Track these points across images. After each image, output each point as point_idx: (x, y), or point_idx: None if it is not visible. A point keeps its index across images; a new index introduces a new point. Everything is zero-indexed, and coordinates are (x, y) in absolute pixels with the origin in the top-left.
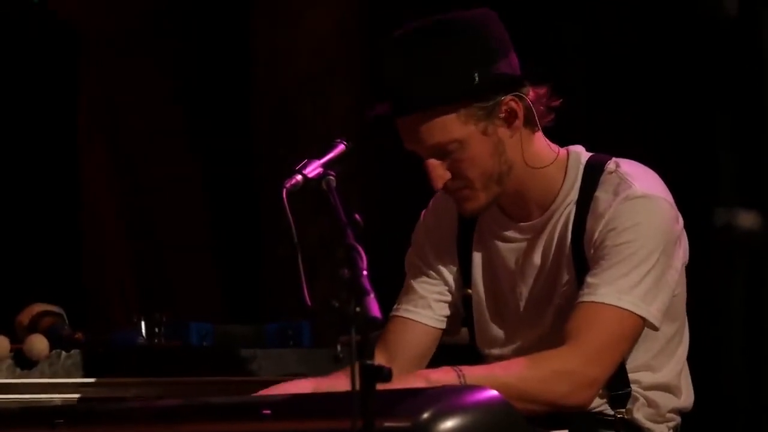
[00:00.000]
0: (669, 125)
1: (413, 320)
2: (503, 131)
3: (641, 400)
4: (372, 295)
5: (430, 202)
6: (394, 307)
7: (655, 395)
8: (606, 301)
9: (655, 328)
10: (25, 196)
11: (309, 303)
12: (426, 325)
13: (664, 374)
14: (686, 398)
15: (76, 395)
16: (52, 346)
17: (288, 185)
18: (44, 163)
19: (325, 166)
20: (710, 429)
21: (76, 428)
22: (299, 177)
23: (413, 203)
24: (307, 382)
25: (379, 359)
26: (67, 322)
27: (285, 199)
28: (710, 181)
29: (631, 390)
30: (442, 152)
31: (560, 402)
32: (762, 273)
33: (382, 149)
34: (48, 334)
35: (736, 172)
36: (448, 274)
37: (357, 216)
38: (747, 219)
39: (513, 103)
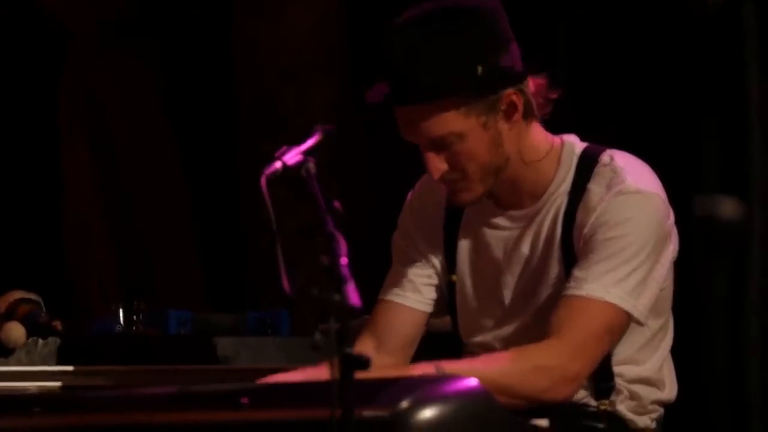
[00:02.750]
0: (652, 116)
1: (401, 304)
2: (502, 125)
3: (625, 392)
4: (351, 283)
5: (417, 184)
6: (381, 290)
7: (638, 388)
8: (592, 295)
9: (640, 324)
10: (6, 185)
11: (288, 291)
12: (414, 309)
13: (647, 368)
14: (669, 391)
15: (53, 383)
16: (29, 333)
17: (267, 172)
18: (25, 152)
19: (305, 153)
20: (694, 420)
21: (53, 416)
22: (279, 164)
23: (395, 190)
24: (299, 374)
25: (367, 344)
26: (44, 309)
27: (264, 187)
28: (693, 170)
29: (615, 383)
30: (440, 144)
31: (541, 396)
32: (745, 262)
33: (363, 137)
34: (25, 321)
35: (720, 161)
36: (434, 258)
37: (337, 203)
38: (729, 207)
39: (514, 97)
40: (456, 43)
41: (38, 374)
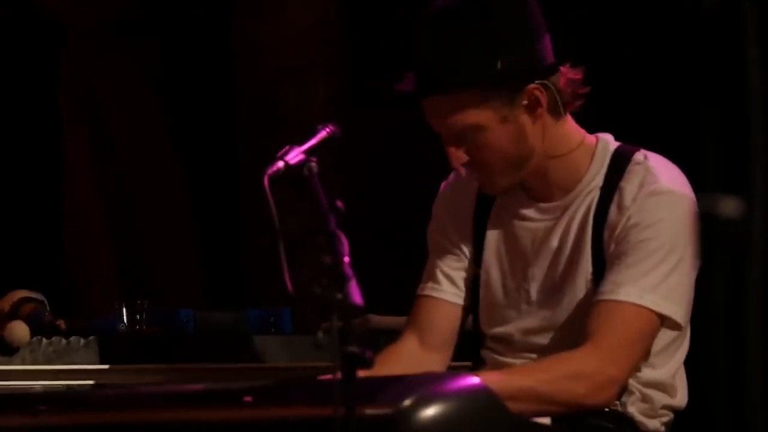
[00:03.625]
0: (651, 115)
1: (440, 299)
2: (525, 118)
3: (636, 394)
4: (353, 282)
5: (451, 174)
6: (420, 285)
7: (651, 392)
8: (628, 300)
9: (679, 327)
10: (7, 185)
11: (290, 289)
12: (453, 302)
13: (662, 372)
14: (681, 398)
15: (58, 382)
16: (33, 332)
17: (270, 172)
18: (26, 151)
19: (307, 152)
20: (696, 424)
21: (58, 415)
22: (281, 163)
23: (396, 191)
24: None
25: (412, 341)
26: (48, 308)
27: (267, 186)
28: (693, 169)
29: (627, 384)
30: (460, 135)
31: (580, 402)
32: (745, 262)
33: (366, 138)
34: (29, 320)
35: (720, 160)
36: (465, 248)
37: (339, 202)
38: (730, 206)
39: (537, 92)
40: (477, 36)
41: (42, 373)
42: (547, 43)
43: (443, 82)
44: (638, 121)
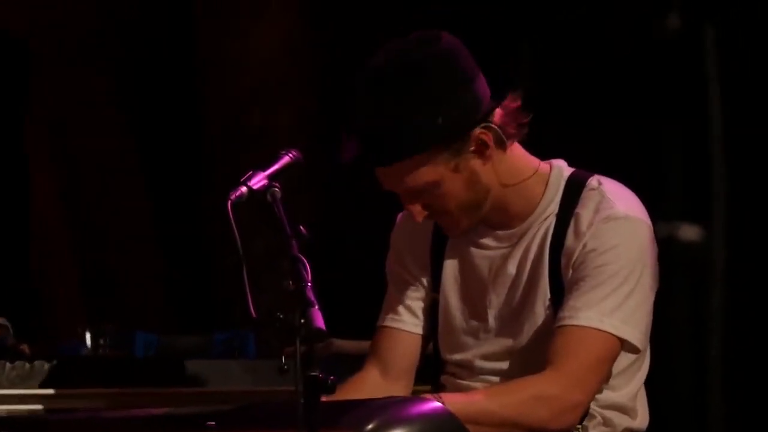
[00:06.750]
0: (614, 138)
1: (400, 329)
2: (475, 162)
3: (598, 418)
4: (316, 307)
5: None
6: (380, 316)
7: (612, 414)
8: (588, 325)
9: (637, 351)
10: None
11: (254, 314)
12: (413, 333)
13: (622, 394)
14: (641, 420)
15: (21, 407)
16: None
17: (233, 197)
18: None
19: (270, 177)
20: None
21: None
22: (244, 188)
23: (361, 215)
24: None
25: (373, 372)
26: (11, 332)
27: (230, 211)
28: (655, 196)
29: (588, 408)
30: (416, 193)
31: (543, 426)
32: (705, 286)
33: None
34: None
35: (681, 186)
36: (423, 278)
37: (302, 228)
38: (689, 232)
39: (483, 136)
40: (414, 99)
41: (6, 398)
42: (482, 84)
43: (389, 151)
44: (599, 146)
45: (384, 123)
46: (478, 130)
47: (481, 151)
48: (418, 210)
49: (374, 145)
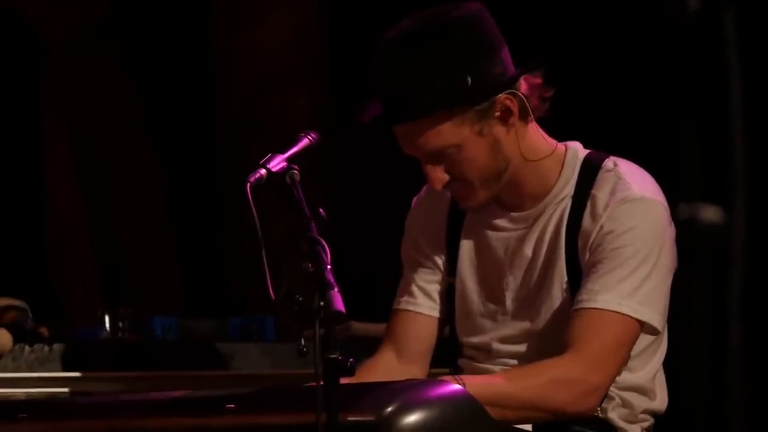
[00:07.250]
0: (633, 124)
1: (415, 312)
2: (499, 129)
3: (617, 399)
4: (336, 289)
5: (423, 188)
6: (396, 299)
7: (630, 396)
8: (607, 308)
9: (656, 332)
10: None
11: (273, 297)
12: (428, 315)
13: (640, 376)
14: (660, 401)
15: (40, 389)
16: (16, 340)
17: (252, 179)
18: (8, 159)
19: (289, 160)
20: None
21: (39, 422)
22: (263, 171)
23: (375, 199)
24: None
25: (389, 355)
26: (30, 316)
27: (249, 194)
28: (674, 177)
29: (608, 391)
30: (439, 156)
31: (563, 409)
32: (725, 267)
33: (345, 145)
34: (12, 328)
35: (701, 168)
36: (439, 261)
37: (321, 210)
38: (710, 213)
39: (508, 102)
40: (442, 57)
41: (25, 381)
42: (507, 54)
43: (415, 107)
44: (619, 130)
45: (410, 78)
46: (503, 96)
47: (506, 117)
48: (438, 176)
49: (399, 101)
